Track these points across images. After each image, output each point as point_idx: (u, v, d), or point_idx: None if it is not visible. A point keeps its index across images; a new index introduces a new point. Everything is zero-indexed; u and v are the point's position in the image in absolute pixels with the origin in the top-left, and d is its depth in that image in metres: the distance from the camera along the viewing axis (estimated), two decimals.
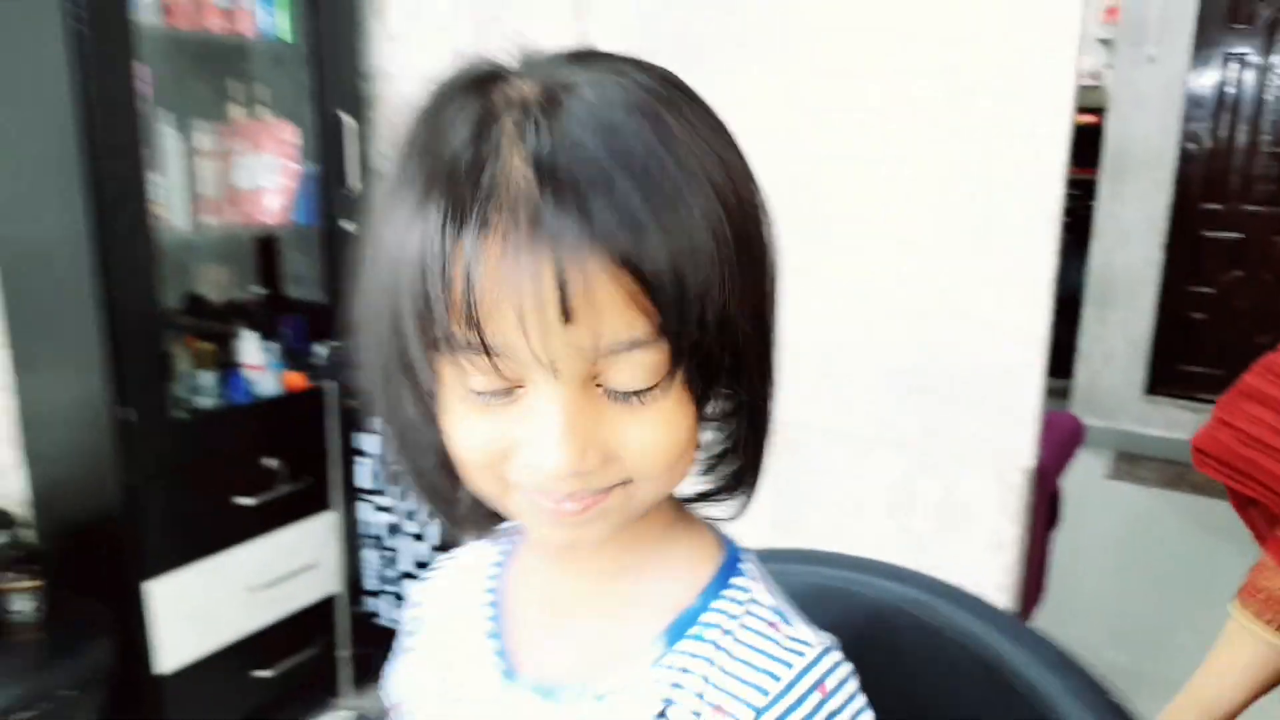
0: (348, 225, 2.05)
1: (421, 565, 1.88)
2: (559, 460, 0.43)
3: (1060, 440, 1.99)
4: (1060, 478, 2.03)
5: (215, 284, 2.09)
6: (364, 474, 1.91)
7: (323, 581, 2.05)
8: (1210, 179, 3.84)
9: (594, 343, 0.41)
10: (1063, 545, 2.23)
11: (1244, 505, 1.04)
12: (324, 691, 2.08)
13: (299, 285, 2.21)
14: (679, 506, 0.55)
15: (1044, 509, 2.00)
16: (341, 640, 2.06)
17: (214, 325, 2.01)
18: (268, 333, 2.01)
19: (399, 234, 0.43)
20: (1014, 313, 1.50)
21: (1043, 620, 2.27)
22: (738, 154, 0.46)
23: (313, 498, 1.98)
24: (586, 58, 0.45)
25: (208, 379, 1.88)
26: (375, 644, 2.01)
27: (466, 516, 0.54)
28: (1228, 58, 3.74)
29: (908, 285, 1.58)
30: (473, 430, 0.46)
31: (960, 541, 1.58)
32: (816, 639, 0.50)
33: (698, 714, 0.49)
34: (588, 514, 0.46)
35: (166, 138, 1.80)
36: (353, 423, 1.91)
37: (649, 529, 0.53)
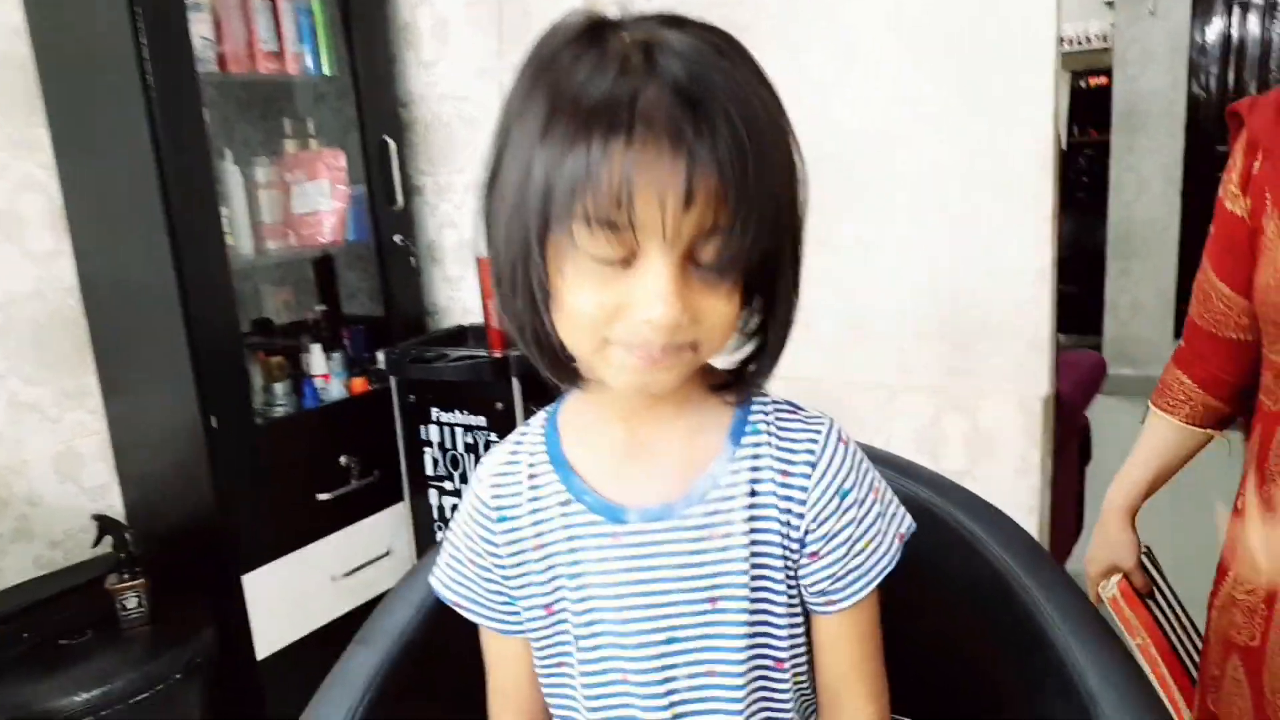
0: (397, 239, 2.21)
1: None
2: (666, 313, 0.55)
3: (1082, 375, 2.08)
4: (1085, 411, 2.11)
5: (281, 304, 2.26)
6: (429, 463, 2.06)
7: (399, 567, 2.20)
8: (1224, 122, 3.86)
9: (699, 226, 0.55)
10: (1102, 487, 2.29)
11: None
12: None
13: (354, 299, 2.37)
14: (705, 370, 0.70)
15: (1074, 444, 2.08)
16: None
17: (282, 341, 2.18)
18: (331, 344, 2.18)
19: (547, 154, 0.55)
20: (1021, 252, 1.61)
21: (1080, 552, 2.34)
22: (773, 90, 0.59)
23: (384, 490, 2.14)
24: (668, 20, 0.58)
25: (281, 389, 2.05)
26: None
27: (564, 368, 0.65)
28: (1229, 3, 3.79)
29: (922, 238, 1.69)
30: (590, 295, 0.57)
31: (989, 471, 1.68)
32: (822, 413, 0.70)
33: (774, 480, 0.67)
34: (667, 363, 0.59)
35: (229, 174, 1.98)
36: (415, 418, 2.06)
37: (692, 381, 0.67)
